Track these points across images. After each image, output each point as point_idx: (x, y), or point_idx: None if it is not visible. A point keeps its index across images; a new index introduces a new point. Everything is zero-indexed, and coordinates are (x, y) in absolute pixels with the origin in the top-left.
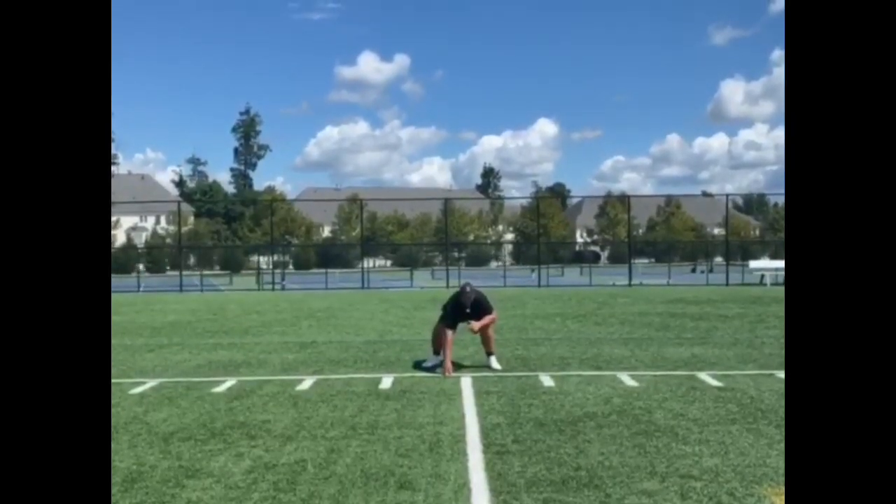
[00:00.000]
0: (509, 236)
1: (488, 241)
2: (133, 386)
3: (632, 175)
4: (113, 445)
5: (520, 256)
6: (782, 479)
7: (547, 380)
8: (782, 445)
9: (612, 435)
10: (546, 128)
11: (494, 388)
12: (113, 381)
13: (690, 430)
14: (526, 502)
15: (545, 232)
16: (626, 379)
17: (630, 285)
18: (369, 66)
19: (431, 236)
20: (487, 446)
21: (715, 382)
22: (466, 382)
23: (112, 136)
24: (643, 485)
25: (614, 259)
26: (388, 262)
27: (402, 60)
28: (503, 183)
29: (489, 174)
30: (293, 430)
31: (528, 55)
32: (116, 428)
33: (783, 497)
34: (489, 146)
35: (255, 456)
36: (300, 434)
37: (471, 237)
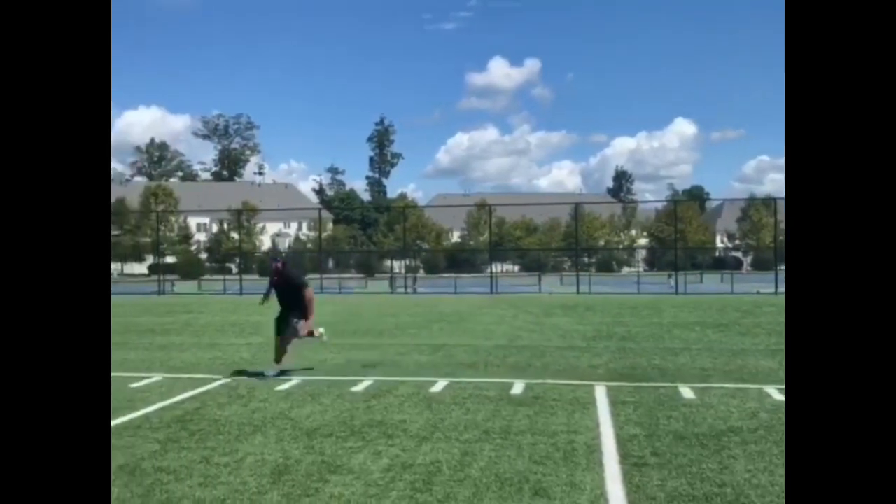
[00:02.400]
0: (643, 241)
1: (620, 247)
2: (280, 383)
3: (777, 176)
4: (261, 439)
5: (655, 262)
6: None
7: (687, 391)
8: None
9: (760, 451)
10: (683, 127)
11: (631, 399)
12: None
13: None
14: None
15: (682, 237)
16: (774, 393)
17: (776, 293)
18: (499, 72)
19: (560, 241)
20: (624, 457)
21: None
22: (601, 391)
23: (259, 148)
24: None
25: (758, 265)
26: (517, 268)
27: (532, 65)
28: (636, 186)
29: (621, 177)
30: (428, 431)
31: (664, 52)
32: (265, 422)
33: None
34: (622, 148)
35: (393, 455)
36: (435, 435)
37: (601, 242)
